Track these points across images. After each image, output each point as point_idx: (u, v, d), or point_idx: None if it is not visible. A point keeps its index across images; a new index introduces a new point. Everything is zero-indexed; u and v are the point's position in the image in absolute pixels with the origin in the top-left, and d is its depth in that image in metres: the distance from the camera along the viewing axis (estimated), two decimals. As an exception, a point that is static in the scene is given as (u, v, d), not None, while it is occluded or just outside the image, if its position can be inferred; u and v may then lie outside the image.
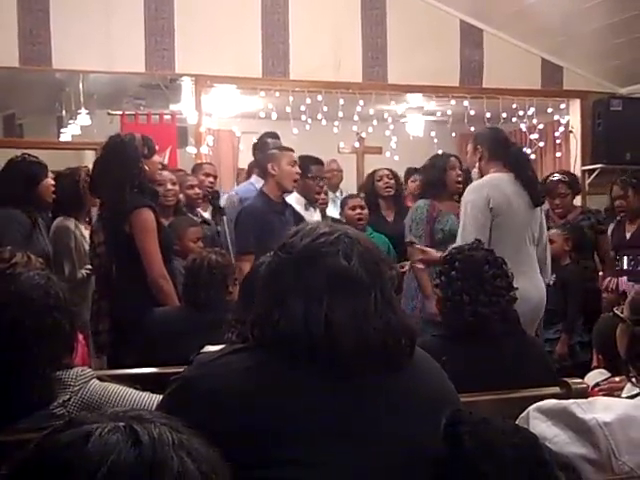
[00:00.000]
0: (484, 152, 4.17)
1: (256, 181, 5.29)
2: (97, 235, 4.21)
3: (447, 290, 2.76)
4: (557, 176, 5.79)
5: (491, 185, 4.04)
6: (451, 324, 2.78)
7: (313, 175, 5.31)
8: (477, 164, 4.20)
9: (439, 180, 4.88)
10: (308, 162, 5.32)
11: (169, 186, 4.74)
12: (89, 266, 4.60)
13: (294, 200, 5.26)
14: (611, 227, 5.45)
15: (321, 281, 1.48)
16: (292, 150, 4.95)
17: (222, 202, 5.57)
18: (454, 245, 3.67)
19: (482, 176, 4.18)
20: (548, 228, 5.18)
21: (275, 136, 5.64)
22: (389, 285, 1.58)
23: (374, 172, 5.90)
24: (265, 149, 5.21)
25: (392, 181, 5.79)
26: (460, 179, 4.89)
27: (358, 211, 5.45)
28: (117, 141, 3.94)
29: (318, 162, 5.45)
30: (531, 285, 3.99)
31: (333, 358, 1.44)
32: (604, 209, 5.90)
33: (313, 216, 5.30)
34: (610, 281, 4.74)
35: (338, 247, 1.51)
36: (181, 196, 5.02)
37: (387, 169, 5.90)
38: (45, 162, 4.74)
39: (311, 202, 5.39)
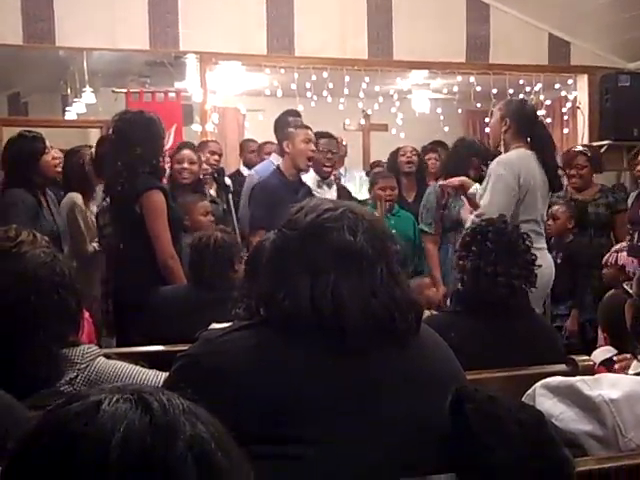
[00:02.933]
0: (511, 125, 4.05)
1: (275, 159, 5.27)
2: (103, 217, 4.21)
3: (478, 261, 2.72)
4: (578, 147, 5.75)
5: (521, 162, 3.96)
6: (480, 293, 2.72)
7: (321, 149, 5.28)
8: (502, 136, 4.11)
9: (462, 165, 4.81)
10: (317, 136, 5.30)
11: (186, 164, 4.68)
12: (96, 240, 4.59)
13: (309, 178, 5.24)
14: (631, 200, 5.32)
15: (327, 256, 1.48)
16: (309, 128, 4.93)
17: (227, 180, 5.56)
18: (479, 214, 3.67)
19: (506, 148, 4.11)
20: (552, 204, 5.18)
21: (296, 114, 5.61)
22: (395, 260, 1.57)
23: (398, 149, 5.81)
24: (285, 127, 5.17)
25: (415, 157, 5.67)
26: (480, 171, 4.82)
27: (388, 192, 5.23)
28: (139, 117, 3.85)
29: (328, 136, 5.40)
30: (545, 261, 4.00)
31: (339, 333, 1.44)
32: (612, 185, 5.85)
33: (326, 194, 5.23)
34: (610, 255, 4.71)
35: (343, 222, 1.50)
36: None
37: (411, 146, 5.81)
38: (46, 137, 4.71)
39: (324, 179, 5.36)
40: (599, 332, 3.51)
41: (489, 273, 2.68)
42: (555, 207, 5.09)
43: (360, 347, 1.45)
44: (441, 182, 4.70)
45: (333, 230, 1.49)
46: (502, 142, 4.11)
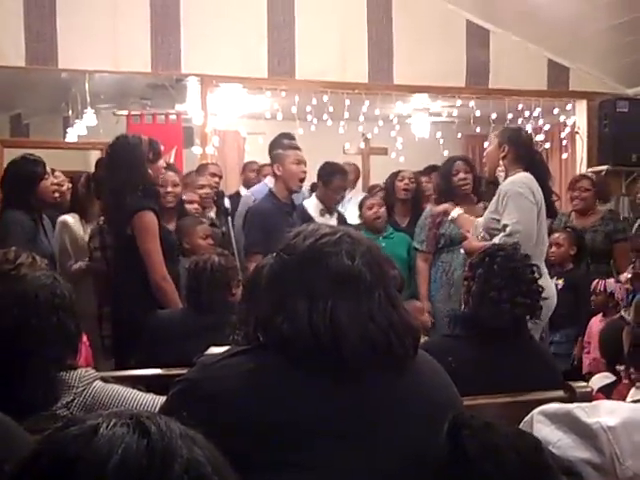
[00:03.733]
0: (509, 152, 4.08)
1: (269, 182, 5.27)
2: (93, 240, 4.23)
3: (483, 285, 2.72)
4: (584, 172, 5.77)
5: (531, 182, 3.98)
6: (482, 319, 2.71)
7: (335, 187, 5.30)
8: (501, 162, 4.13)
9: (446, 185, 4.94)
10: (334, 172, 5.31)
11: (169, 188, 4.57)
12: (86, 260, 4.56)
13: (312, 205, 5.25)
14: (635, 227, 5.31)
15: (324, 281, 1.48)
16: (299, 149, 4.93)
17: (226, 203, 5.57)
18: (510, 234, 3.71)
19: (506, 173, 4.13)
20: (554, 230, 5.20)
21: (291, 137, 5.60)
22: (392, 284, 1.58)
23: (398, 172, 5.82)
24: (278, 149, 5.14)
25: (412, 185, 5.62)
26: (465, 182, 4.89)
27: (375, 209, 5.27)
28: (124, 142, 3.93)
29: (343, 172, 5.43)
30: (549, 288, 4.00)
31: (337, 358, 1.44)
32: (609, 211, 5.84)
33: (330, 221, 5.24)
34: (598, 283, 4.71)
35: (341, 247, 1.51)
36: (184, 197, 4.97)
37: (410, 172, 5.77)
38: (47, 161, 4.72)
39: (328, 209, 5.38)
40: (583, 357, 3.49)
41: (493, 298, 2.68)
42: (556, 234, 5.10)
43: (357, 372, 1.45)
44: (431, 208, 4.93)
45: (331, 255, 1.50)
46: (502, 167, 4.14)
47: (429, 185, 5.93)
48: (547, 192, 4.11)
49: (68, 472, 0.80)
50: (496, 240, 3.74)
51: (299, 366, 1.44)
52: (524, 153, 4.10)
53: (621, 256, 5.24)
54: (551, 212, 4.20)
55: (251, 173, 6.85)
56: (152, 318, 3.38)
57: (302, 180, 4.83)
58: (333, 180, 5.30)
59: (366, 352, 1.45)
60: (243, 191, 6.31)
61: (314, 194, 5.49)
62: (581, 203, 5.49)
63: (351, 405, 1.45)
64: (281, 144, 5.30)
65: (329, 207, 5.38)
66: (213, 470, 0.85)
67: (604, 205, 5.96)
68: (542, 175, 4.12)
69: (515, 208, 3.89)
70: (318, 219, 5.07)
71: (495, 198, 4.08)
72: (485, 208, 4.99)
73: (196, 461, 0.84)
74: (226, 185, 6.59)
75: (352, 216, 5.78)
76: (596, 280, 4.76)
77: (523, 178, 4.00)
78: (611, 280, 4.61)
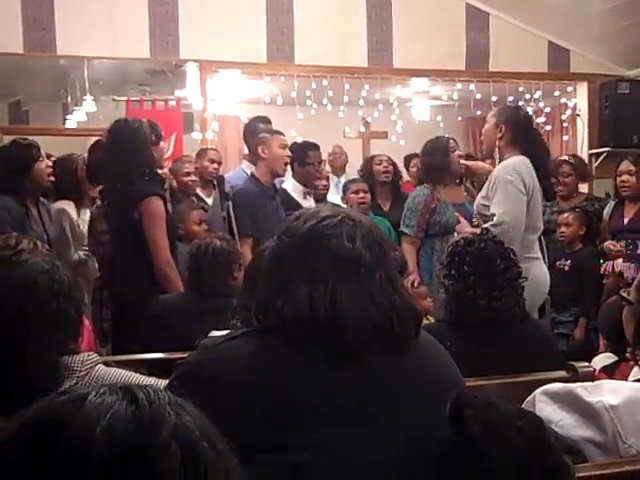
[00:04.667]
0: (506, 132, 4.03)
1: (246, 167, 5.17)
2: (99, 223, 4.20)
3: (458, 284, 2.72)
4: (564, 157, 5.79)
5: (523, 168, 3.94)
6: (464, 317, 2.72)
7: (311, 161, 5.29)
8: (496, 142, 4.09)
9: (441, 164, 4.88)
10: (305, 148, 5.30)
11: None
12: (85, 249, 4.55)
13: (291, 188, 5.24)
14: (607, 210, 5.29)
15: (325, 264, 1.48)
16: (282, 134, 4.92)
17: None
18: (496, 224, 3.70)
19: (501, 156, 4.10)
20: (560, 211, 5.21)
21: (266, 121, 5.51)
22: (393, 266, 1.57)
23: (373, 157, 5.83)
24: (255, 133, 5.10)
25: (391, 167, 5.67)
26: (462, 161, 4.90)
27: (361, 195, 5.29)
28: (124, 126, 3.89)
29: (315, 147, 5.42)
30: (541, 272, 4.00)
31: (338, 341, 1.44)
32: (610, 193, 5.85)
33: (308, 203, 5.26)
34: (606, 265, 4.71)
35: (341, 229, 1.50)
36: (174, 183, 4.98)
37: (386, 155, 5.82)
38: (46, 148, 4.70)
39: (309, 190, 5.37)
40: (600, 338, 3.50)
41: (469, 297, 2.67)
42: (565, 214, 5.12)
43: (360, 353, 1.45)
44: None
45: (332, 237, 1.49)
46: (497, 149, 4.11)
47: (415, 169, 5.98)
48: (545, 174, 4.08)
49: (56, 437, 0.81)
50: (486, 226, 3.73)
51: (301, 349, 1.45)
52: (522, 135, 4.05)
53: (604, 233, 5.28)
54: (548, 195, 4.18)
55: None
56: (154, 303, 3.39)
57: (287, 164, 4.83)
58: (308, 154, 5.27)
59: (367, 334, 1.45)
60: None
61: (290, 177, 5.43)
62: (565, 189, 5.52)
63: (354, 387, 1.45)
64: (259, 128, 5.22)
65: (310, 186, 5.36)
66: (201, 435, 0.85)
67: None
68: (540, 157, 4.08)
69: (504, 197, 3.87)
70: (301, 202, 5.08)
71: (487, 183, 4.05)
72: (466, 191, 5.01)
73: (184, 426, 0.84)
74: (226, 170, 6.57)
75: (334, 198, 5.80)
76: (604, 263, 4.77)
77: (516, 163, 3.95)
78: (619, 260, 4.60)
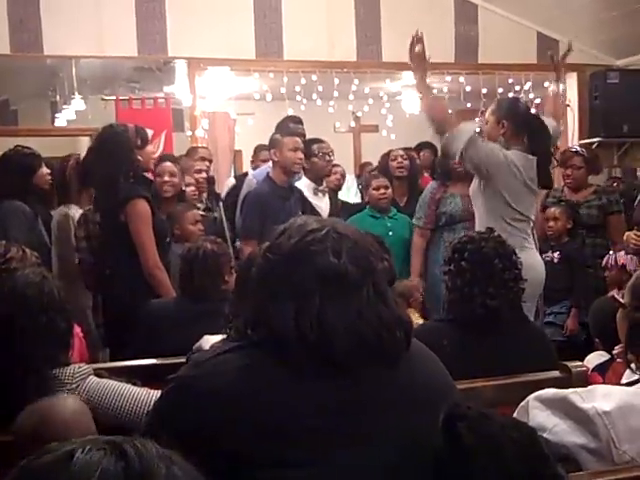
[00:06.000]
0: (508, 126, 4.05)
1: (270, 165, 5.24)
2: (80, 229, 4.22)
3: (456, 280, 2.73)
4: (575, 148, 5.74)
5: (520, 164, 3.96)
6: (458, 313, 2.74)
7: (316, 152, 5.27)
8: (500, 138, 4.09)
9: (443, 164, 5.08)
10: (309, 142, 5.29)
11: (166, 177, 4.53)
12: None
13: (304, 185, 5.23)
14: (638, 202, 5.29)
15: (311, 281, 1.46)
16: (300, 134, 4.95)
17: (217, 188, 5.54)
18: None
19: (508, 148, 4.09)
20: (547, 206, 5.20)
21: (297, 120, 5.54)
22: (382, 278, 1.55)
23: (389, 152, 5.78)
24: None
25: (406, 162, 5.63)
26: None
27: (382, 191, 5.25)
28: (110, 132, 3.93)
29: (318, 141, 5.39)
30: (536, 261, 4.02)
31: (327, 357, 1.42)
32: (610, 179, 5.81)
33: (322, 201, 5.29)
34: (609, 257, 4.70)
35: (326, 244, 1.48)
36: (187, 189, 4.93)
37: (402, 149, 5.80)
38: (39, 149, 4.72)
39: (322, 189, 5.37)
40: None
41: (465, 294, 2.68)
42: (552, 209, 5.11)
43: (351, 369, 1.44)
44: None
45: (317, 253, 1.47)
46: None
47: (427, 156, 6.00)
48: (544, 161, 4.07)
49: None
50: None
51: (291, 364, 1.43)
52: (523, 124, 4.06)
53: (615, 229, 5.23)
54: (547, 183, 4.17)
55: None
56: (146, 307, 3.37)
57: (298, 165, 4.82)
58: (312, 147, 5.24)
59: (357, 350, 1.43)
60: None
61: (304, 177, 5.45)
62: (574, 181, 5.47)
63: (347, 402, 1.44)
64: (287, 128, 5.26)
65: (322, 178, 5.36)
66: None
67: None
68: (541, 144, 4.09)
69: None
70: (312, 199, 5.08)
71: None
72: None
73: (175, 479, 0.83)
74: (217, 168, 6.54)
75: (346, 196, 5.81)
76: (606, 256, 4.76)
77: (512, 159, 3.97)
78: (621, 253, 4.59)
